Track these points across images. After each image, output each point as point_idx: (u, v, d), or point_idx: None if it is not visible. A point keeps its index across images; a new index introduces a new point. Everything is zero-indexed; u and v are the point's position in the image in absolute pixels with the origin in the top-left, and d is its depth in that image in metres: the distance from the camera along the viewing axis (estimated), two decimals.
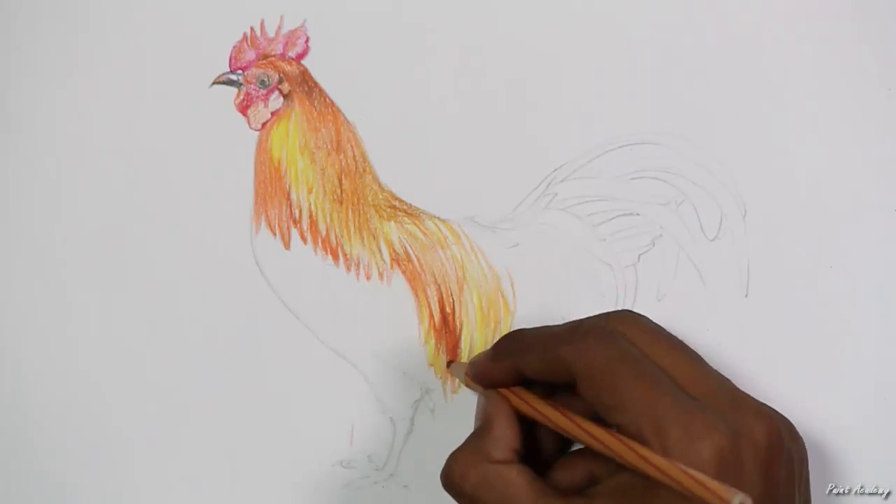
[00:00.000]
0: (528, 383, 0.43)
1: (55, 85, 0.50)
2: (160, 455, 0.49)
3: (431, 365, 0.49)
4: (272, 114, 0.50)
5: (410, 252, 0.49)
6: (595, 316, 0.42)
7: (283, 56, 0.50)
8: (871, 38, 0.49)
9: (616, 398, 0.39)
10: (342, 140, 0.50)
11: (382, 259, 0.49)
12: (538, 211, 0.50)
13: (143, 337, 0.50)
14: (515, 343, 0.43)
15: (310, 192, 0.49)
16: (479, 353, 0.45)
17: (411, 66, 0.50)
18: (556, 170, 0.49)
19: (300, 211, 0.49)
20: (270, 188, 0.49)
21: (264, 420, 0.49)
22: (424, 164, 0.50)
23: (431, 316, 0.49)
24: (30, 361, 0.50)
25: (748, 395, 0.40)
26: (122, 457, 0.50)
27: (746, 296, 0.49)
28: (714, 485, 0.36)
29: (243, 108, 0.50)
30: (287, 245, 0.49)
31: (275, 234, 0.49)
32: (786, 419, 0.41)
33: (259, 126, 0.50)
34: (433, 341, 0.49)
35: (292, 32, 0.50)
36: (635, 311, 0.42)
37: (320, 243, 0.49)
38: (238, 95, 0.50)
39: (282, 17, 0.50)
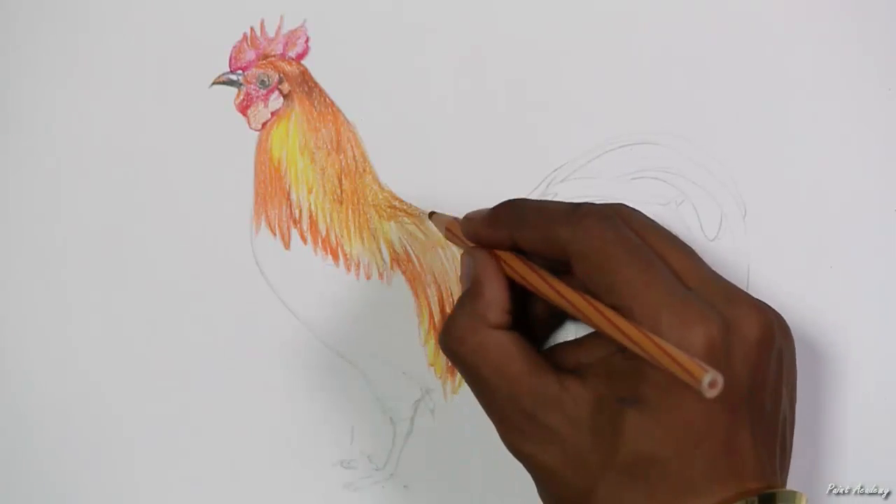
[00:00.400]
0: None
1: (55, 85, 0.50)
2: (160, 455, 0.49)
3: (431, 365, 0.49)
4: (272, 114, 0.50)
5: (410, 252, 0.49)
6: (593, 203, 0.42)
7: (283, 56, 0.50)
8: (871, 38, 0.49)
9: (610, 279, 0.38)
10: (342, 140, 0.50)
11: (382, 259, 0.49)
12: None
13: (143, 337, 0.50)
14: (514, 213, 0.42)
15: (310, 192, 0.49)
16: (475, 211, 0.44)
17: (411, 66, 0.50)
18: (556, 170, 0.49)
19: (300, 211, 0.49)
20: (270, 188, 0.49)
21: (264, 420, 0.49)
22: (424, 164, 0.50)
23: (431, 316, 0.49)
24: (30, 361, 0.50)
25: (742, 290, 0.39)
26: (122, 457, 0.50)
27: None
28: (684, 358, 0.35)
29: (243, 108, 0.50)
30: (287, 245, 0.49)
31: (275, 234, 0.49)
32: (779, 315, 0.40)
33: (259, 126, 0.50)
34: (433, 341, 0.49)
35: (292, 32, 0.50)
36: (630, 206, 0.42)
37: (320, 243, 0.49)
38: (238, 95, 0.50)
39: (282, 17, 0.50)
